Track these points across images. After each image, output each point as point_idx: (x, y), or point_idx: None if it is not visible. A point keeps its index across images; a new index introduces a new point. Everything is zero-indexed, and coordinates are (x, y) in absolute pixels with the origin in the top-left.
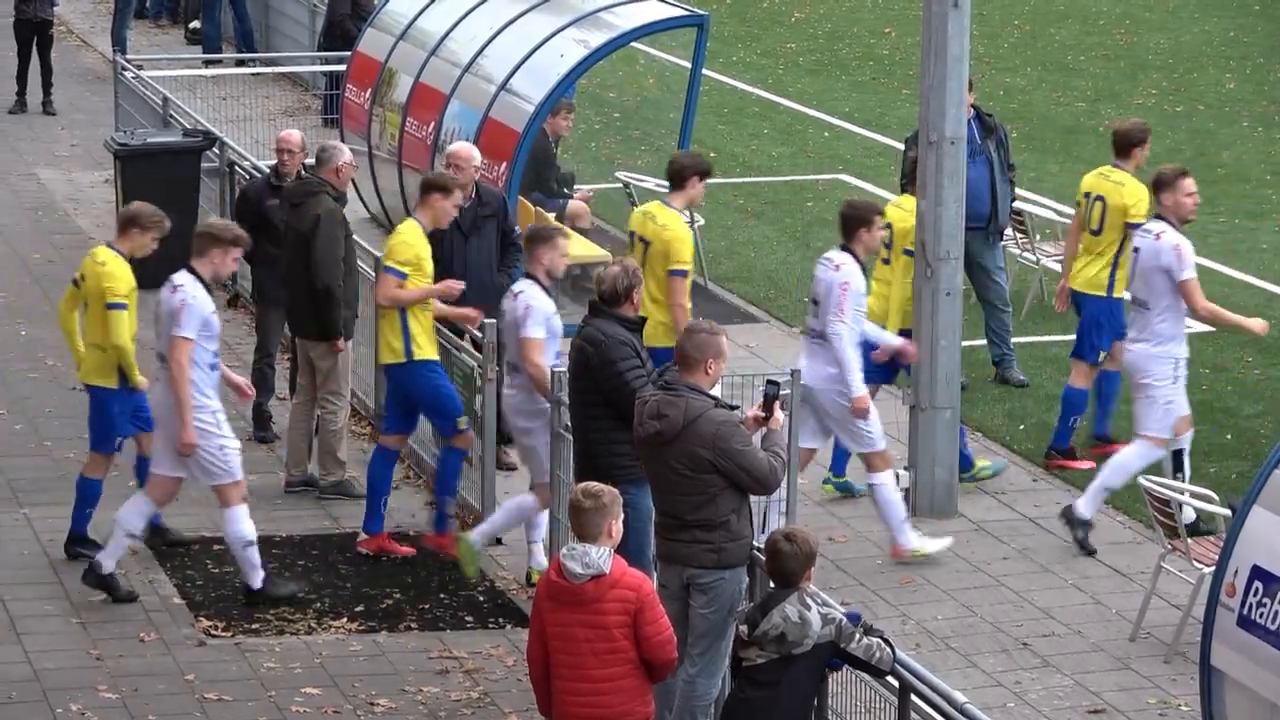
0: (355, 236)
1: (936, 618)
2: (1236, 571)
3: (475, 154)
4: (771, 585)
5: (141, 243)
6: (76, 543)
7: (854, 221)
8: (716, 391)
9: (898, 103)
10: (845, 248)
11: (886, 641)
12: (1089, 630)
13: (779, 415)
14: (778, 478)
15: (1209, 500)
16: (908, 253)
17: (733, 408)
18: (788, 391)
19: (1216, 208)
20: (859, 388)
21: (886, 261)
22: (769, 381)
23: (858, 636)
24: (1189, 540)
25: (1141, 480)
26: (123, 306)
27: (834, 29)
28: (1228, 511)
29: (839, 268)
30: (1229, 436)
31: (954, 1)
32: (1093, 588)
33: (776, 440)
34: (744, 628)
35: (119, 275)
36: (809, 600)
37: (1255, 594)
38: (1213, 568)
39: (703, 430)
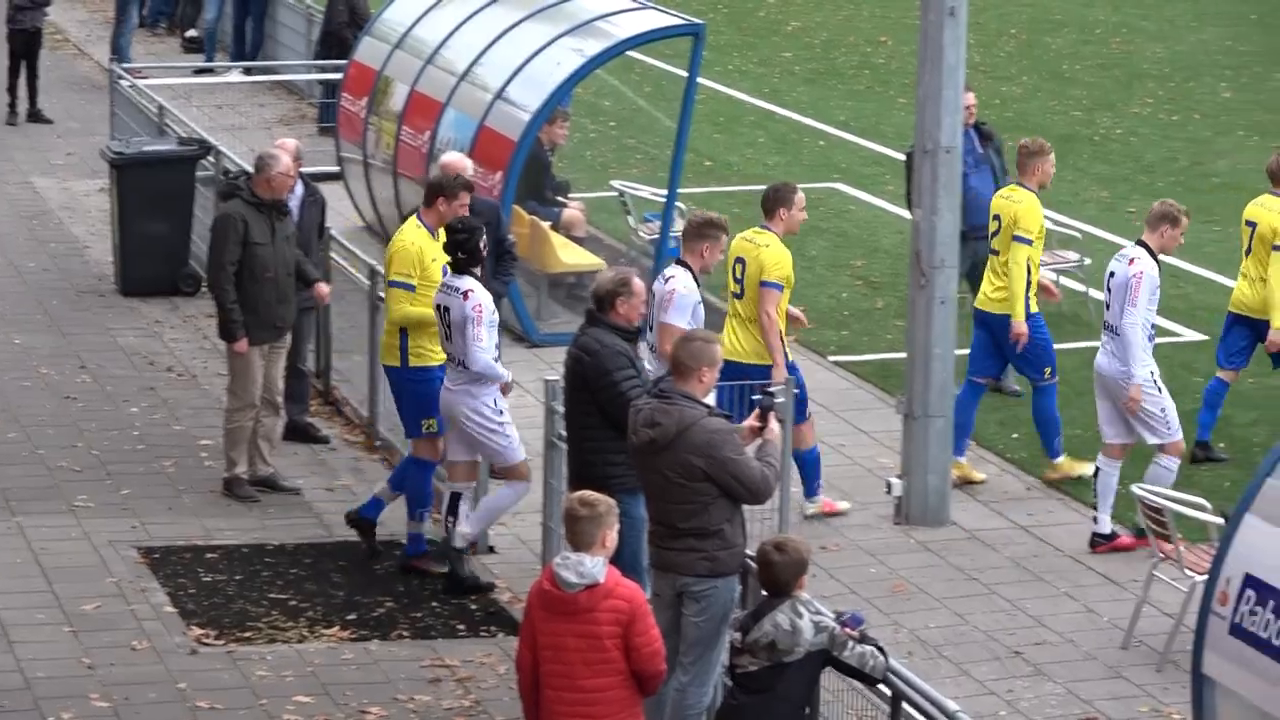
0: (351, 245)
1: (929, 626)
2: (1229, 580)
3: (468, 164)
4: (764, 593)
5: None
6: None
7: (1154, 220)
8: (710, 400)
9: (894, 111)
10: (1141, 242)
11: (880, 649)
12: (1081, 638)
13: (774, 426)
14: (770, 487)
15: (1201, 509)
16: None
17: (727, 416)
18: (782, 400)
19: (1212, 216)
20: (1141, 376)
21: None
22: (764, 392)
23: (850, 645)
24: (1182, 548)
25: (1134, 489)
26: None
27: (830, 38)
28: (1221, 520)
29: (1132, 261)
30: (1223, 444)
31: (950, 10)
32: (1085, 596)
33: (770, 450)
34: (736, 635)
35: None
36: (801, 608)
37: (1248, 602)
38: (1205, 576)
39: (696, 439)
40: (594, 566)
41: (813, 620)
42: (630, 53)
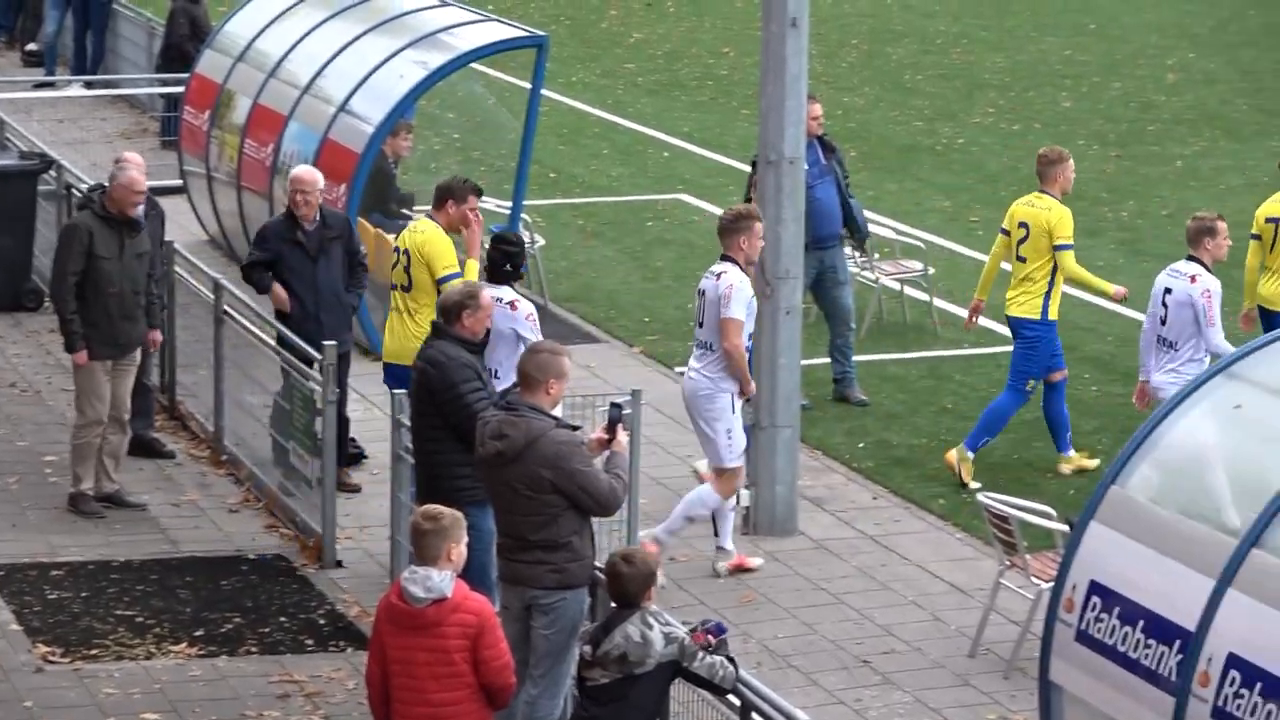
0: (194, 258)
1: (778, 636)
2: (1075, 587)
3: (319, 177)
4: (613, 606)
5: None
6: None
7: (1196, 235)
8: (558, 412)
9: (737, 122)
10: (1192, 258)
11: (729, 660)
12: (929, 647)
13: (622, 437)
14: (619, 499)
15: (1047, 516)
16: None
17: (574, 428)
18: (629, 412)
19: None
20: None
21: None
22: (612, 404)
23: (700, 655)
24: (1028, 556)
25: (980, 497)
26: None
27: (673, 49)
28: (1066, 527)
29: (1194, 279)
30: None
31: (792, 21)
32: (932, 604)
33: (619, 462)
34: (587, 648)
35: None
36: (651, 620)
37: (1093, 609)
38: (1051, 583)
39: (544, 450)
40: (441, 580)
41: (663, 631)
42: (474, 65)
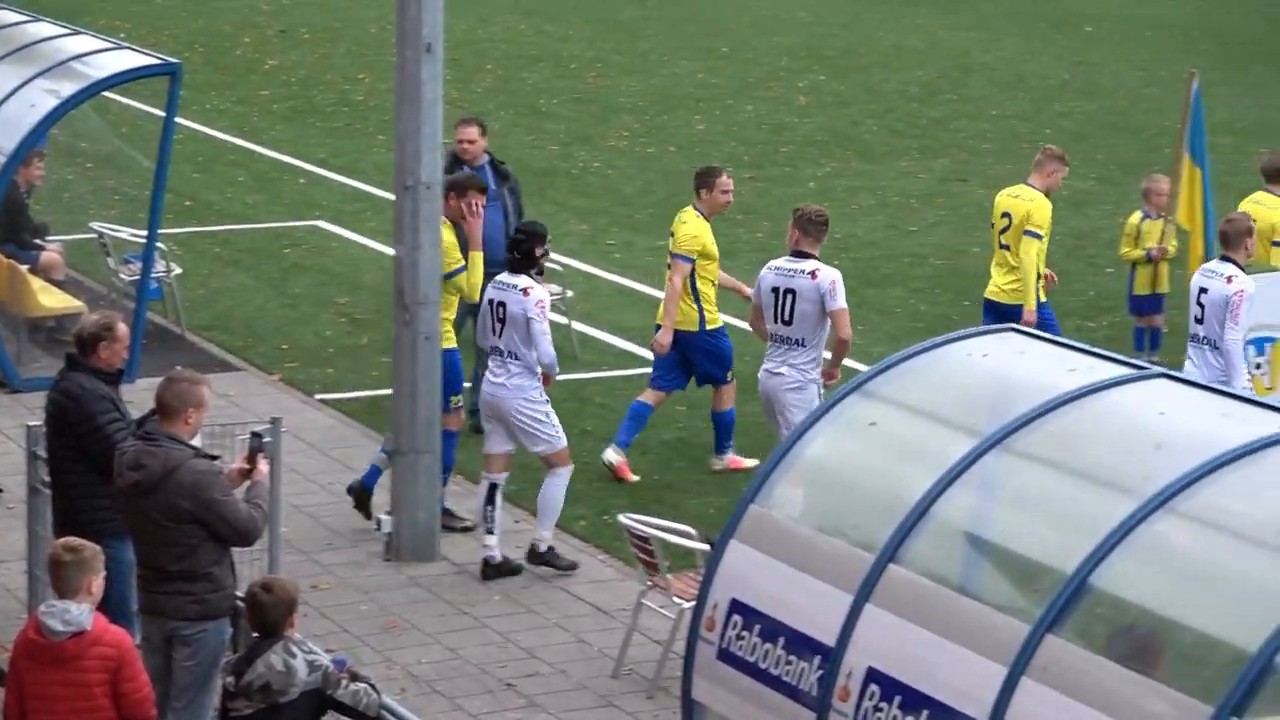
0: None
1: (421, 661)
2: (716, 605)
3: None
4: (255, 636)
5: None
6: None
7: (1237, 235)
8: (197, 442)
9: (373, 148)
10: (1226, 258)
11: (373, 687)
12: (573, 669)
13: (262, 466)
14: (258, 528)
15: (688, 536)
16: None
17: (214, 458)
18: (269, 440)
19: None
20: (1240, 386)
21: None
22: (252, 434)
23: (344, 683)
24: (670, 576)
25: (621, 518)
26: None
27: (308, 75)
28: (706, 546)
29: (1230, 279)
30: (705, 473)
31: (426, 46)
32: (575, 626)
33: (259, 492)
34: (230, 679)
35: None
36: (294, 648)
37: (734, 627)
38: (693, 603)
39: (182, 480)
40: (80, 614)
41: (306, 660)
42: (107, 93)
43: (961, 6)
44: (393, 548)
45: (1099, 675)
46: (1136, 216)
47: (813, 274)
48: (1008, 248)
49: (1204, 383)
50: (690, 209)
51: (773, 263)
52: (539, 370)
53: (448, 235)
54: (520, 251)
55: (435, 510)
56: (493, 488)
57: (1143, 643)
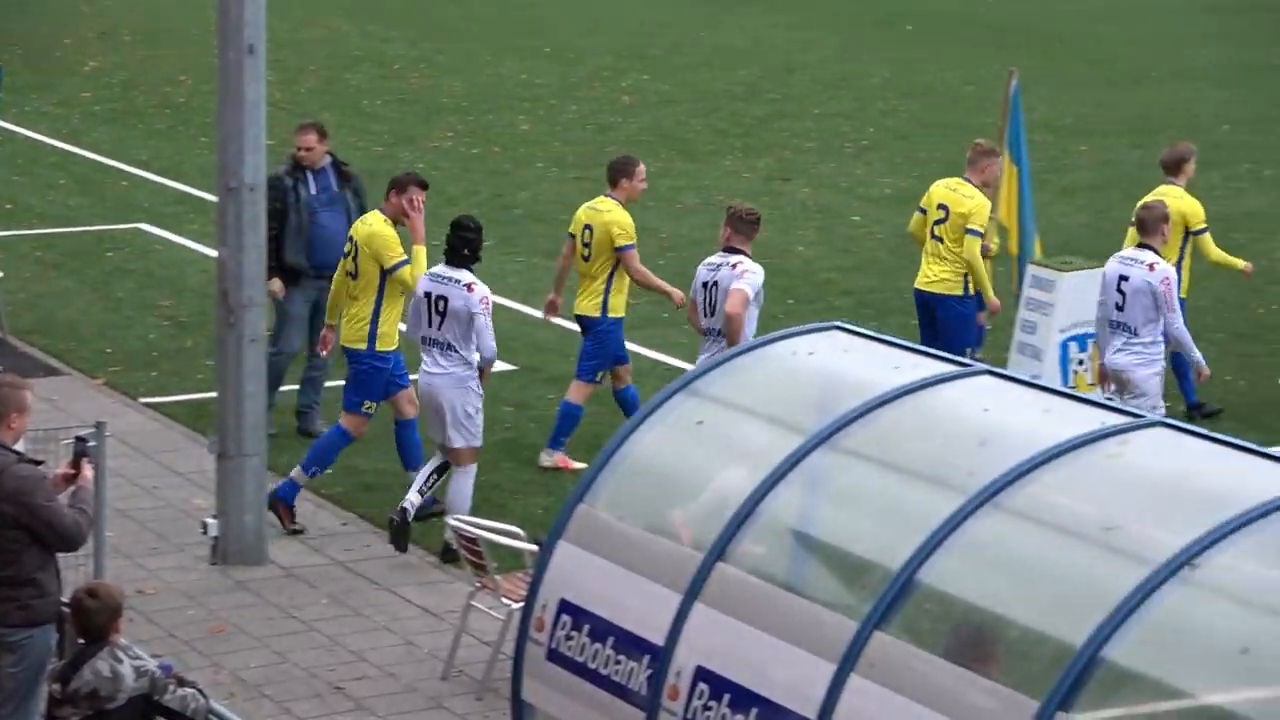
0: None
1: (250, 666)
2: (545, 606)
3: None
4: (81, 642)
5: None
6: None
7: (1154, 222)
8: (20, 447)
9: (196, 150)
10: (1145, 245)
11: (200, 692)
12: (402, 671)
13: (87, 471)
14: (83, 533)
15: (515, 536)
16: None
17: (38, 463)
18: (94, 445)
19: (515, 247)
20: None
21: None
22: (77, 438)
23: (171, 688)
24: (498, 577)
25: (448, 519)
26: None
27: (129, 77)
28: (534, 547)
29: (1153, 267)
30: (533, 473)
31: (249, 47)
32: (404, 629)
33: (84, 497)
34: (56, 686)
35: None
36: (120, 654)
37: (563, 628)
38: (522, 604)
39: (6, 486)
40: None
41: (133, 665)
42: None
43: (784, 6)
44: (219, 551)
45: (927, 671)
46: None
47: (734, 266)
48: (941, 239)
49: (1025, 378)
50: (606, 198)
51: (706, 259)
52: (475, 363)
53: (388, 231)
54: (465, 245)
55: (262, 513)
56: (444, 464)
57: (976, 640)
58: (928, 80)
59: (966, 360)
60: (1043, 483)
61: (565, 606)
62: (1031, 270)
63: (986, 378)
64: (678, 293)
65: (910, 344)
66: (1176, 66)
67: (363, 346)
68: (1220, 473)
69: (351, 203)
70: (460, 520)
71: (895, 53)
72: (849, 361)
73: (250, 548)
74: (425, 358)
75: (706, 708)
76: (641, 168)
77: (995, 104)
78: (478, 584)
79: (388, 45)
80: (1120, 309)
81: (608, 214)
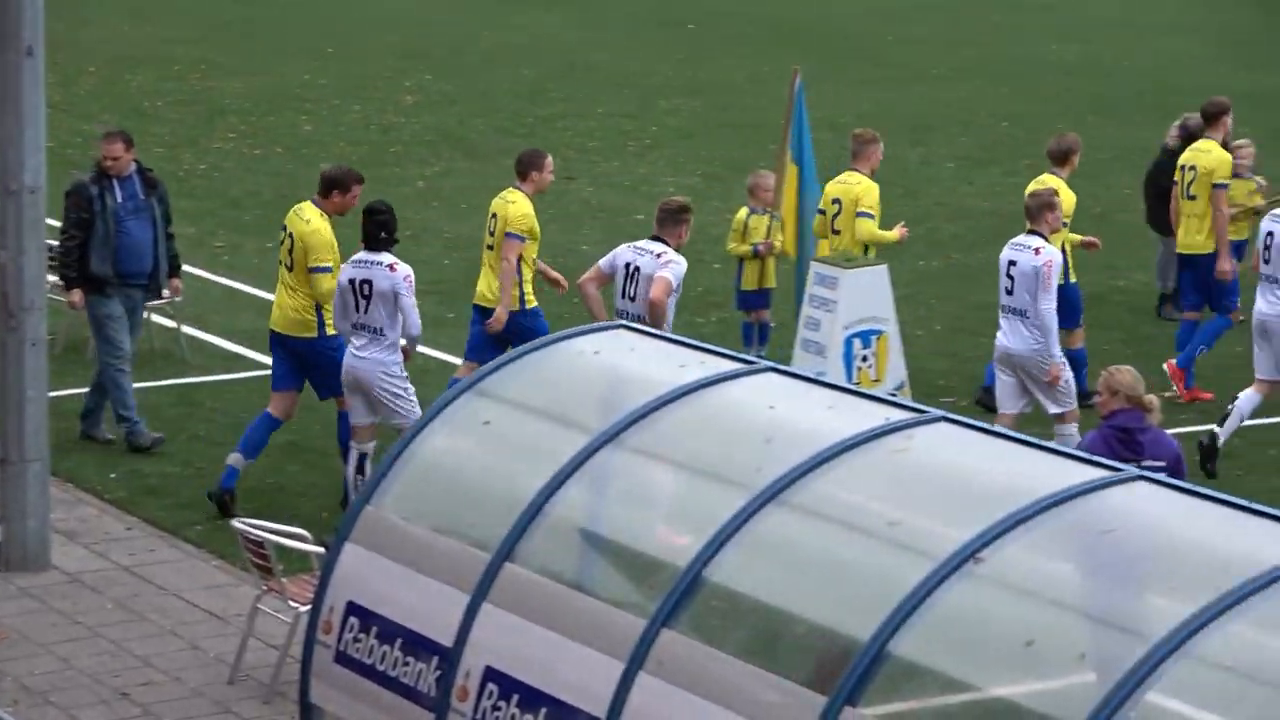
0: None
1: (34, 673)
2: (332, 608)
3: None
4: None
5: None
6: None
7: (1039, 208)
8: None
9: None
10: (1033, 231)
11: None
12: (188, 676)
13: None
14: None
15: (302, 539)
16: None
17: None
18: None
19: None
20: (1058, 354)
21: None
22: None
23: None
24: (285, 580)
25: (234, 523)
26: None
27: None
28: (321, 549)
29: (1038, 251)
30: (319, 476)
31: (27, 49)
32: (190, 633)
33: None
34: None
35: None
36: None
37: (351, 630)
38: (309, 606)
39: None
40: None
41: None
42: None
43: (566, 5)
44: (2, 558)
45: (716, 668)
46: (743, 212)
47: (659, 255)
48: (839, 232)
49: (809, 375)
50: (515, 190)
51: (633, 242)
52: (400, 344)
53: (327, 234)
54: (381, 229)
55: (46, 518)
56: (362, 457)
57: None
58: (710, 78)
59: (750, 358)
60: (828, 478)
61: (353, 609)
62: (815, 267)
63: (771, 375)
64: (505, 312)
65: (695, 342)
66: (955, 64)
67: (313, 335)
68: (1004, 466)
69: (157, 210)
70: (245, 523)
71: (678, 51)
72: (635, 360)
73: (33, 554)
74: (354, 341)
75: (496, 708)
76: (549, 160)
77: (779, 102)
78: (264, 587)
79: (169, 46)
80: (1010, 293)
81: (512, 205)
